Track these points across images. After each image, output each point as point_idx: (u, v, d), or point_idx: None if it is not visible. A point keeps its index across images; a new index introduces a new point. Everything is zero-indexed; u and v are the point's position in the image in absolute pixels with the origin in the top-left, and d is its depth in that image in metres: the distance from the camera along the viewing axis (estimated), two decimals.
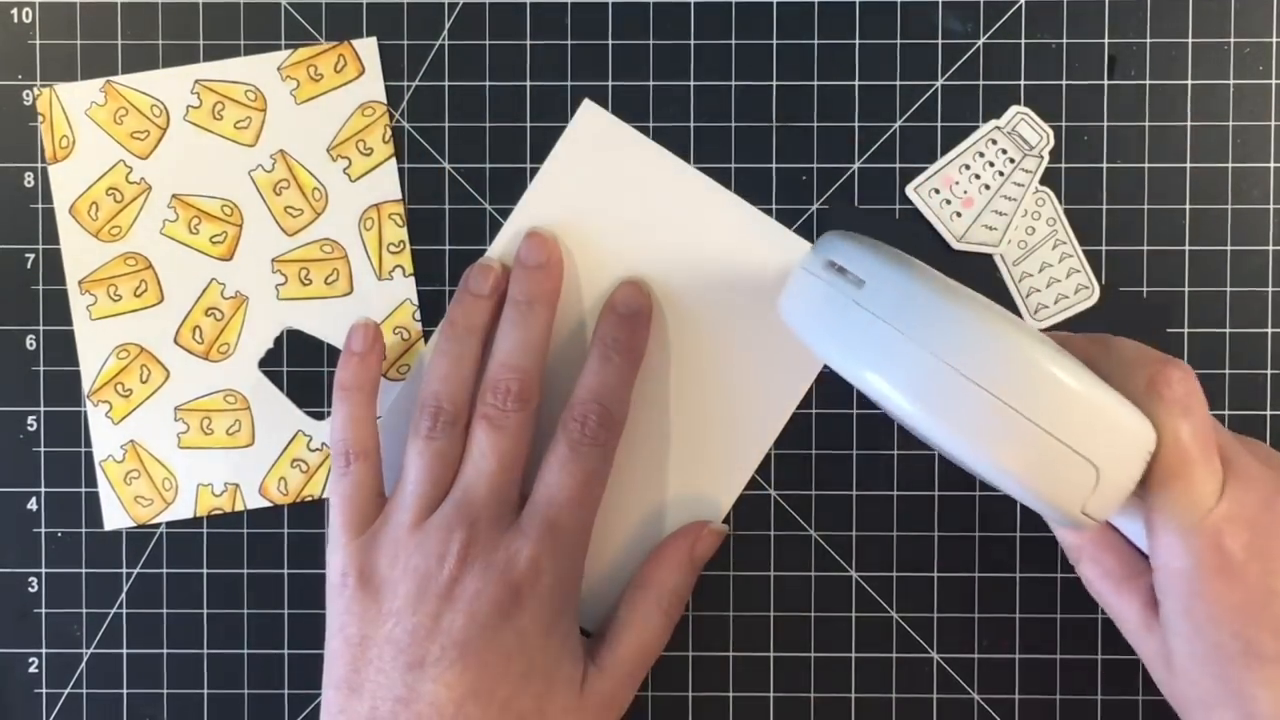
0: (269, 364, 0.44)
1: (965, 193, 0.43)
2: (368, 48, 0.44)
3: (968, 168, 0.43)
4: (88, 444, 0.44)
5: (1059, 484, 0.30)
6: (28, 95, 0.44)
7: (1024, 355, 0.30)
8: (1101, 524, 0.33)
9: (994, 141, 0.43)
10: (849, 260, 0.34)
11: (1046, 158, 0.43)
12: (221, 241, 0.44)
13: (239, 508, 0.44)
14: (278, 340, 0.44)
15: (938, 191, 0.43)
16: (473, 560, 0.38)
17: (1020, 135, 0.43)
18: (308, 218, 0.44)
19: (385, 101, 0.44)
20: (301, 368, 0.44)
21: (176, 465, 0.44)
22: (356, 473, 0.41)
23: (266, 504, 0.44)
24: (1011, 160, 0.43)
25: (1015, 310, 0.43)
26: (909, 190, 0.43)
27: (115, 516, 0.44)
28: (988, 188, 0.43)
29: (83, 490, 0.44)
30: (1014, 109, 0.43)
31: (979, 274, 0.43)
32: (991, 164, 0.43)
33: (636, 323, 0.42)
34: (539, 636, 0.38)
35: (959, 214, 0.43)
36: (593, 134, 0.43)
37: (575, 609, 0.40)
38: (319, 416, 0.44)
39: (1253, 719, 0.32)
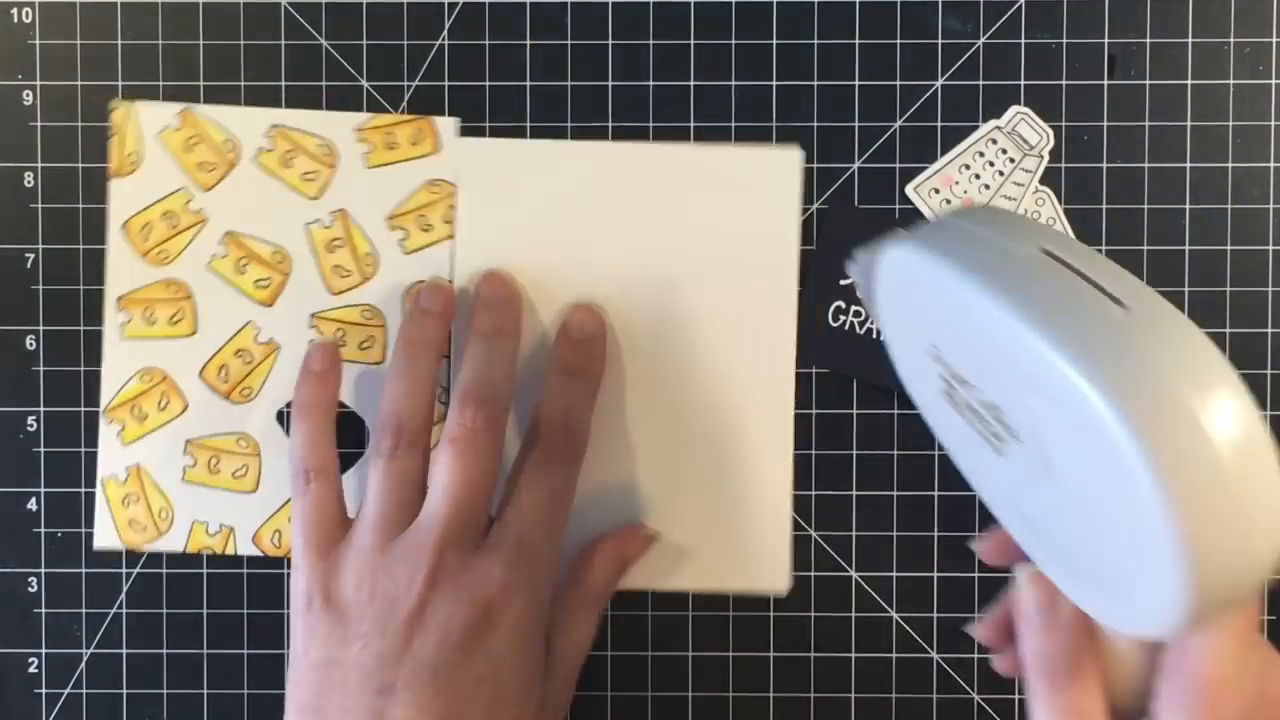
0: (288, 421, 0.44)
1: (965, 192, 0.43)
2: (448, 127, 0.44)
3: (968, 167, 0.43)
4: (88, 445, 0.44)
5: (1218, 564, 0.27)
6: (28, 95, 0.44)
7: (1249, 417, 0.27)
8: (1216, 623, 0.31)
9: (994, 141, 0.43)
10: (1086, 264, 0.28)
11: (1046, 158, 0.43)
12: (266, 286, 0.44)
13: (230, 551, 0.44)
14: None
15: (938, 191, 0.43)
16: (442, 584, 0.37)
17: (1020, 135, 0.43)
18: (355, 280, 0.44)
19: (454, 182, 0.44)
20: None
21: (177, 497, 0.44)
22: (315, 492, 0.40)
23: (258, 553, 0.44)
24: (1011, 160, 0.43)
25: None
26: (909, 190, 0.43)
27: (106, 536, 0.44)
28: (988, 188, 0.43)
29: (82, 490, 0.44)
30: (1014, 109, 0.43)
31: None
32: (991, 164, 0.43)
33: (591, 347, 0.42)
34: (510, 659, 0.38)
35: None
36: (478, 165, 0.43)
37: (543, 629, 0.40)
38: None
39: None
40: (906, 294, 0.33)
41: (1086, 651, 0.34)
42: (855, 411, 0.44)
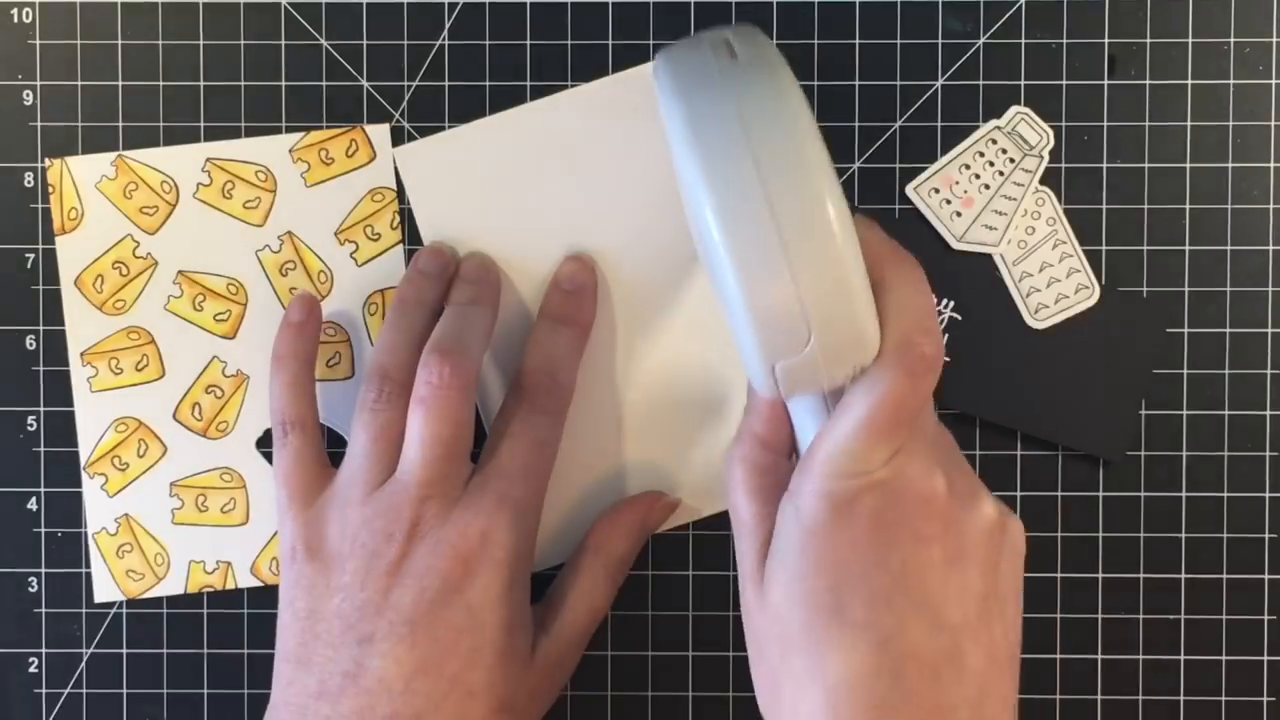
0: (267, 444, 0.44)
1: (965, 192, 0.43)
2: (380, 134, 0.44)
3: (968, 167, 0.43)
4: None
5: (772, 331, 0.30)
6: (28, 95, 0.44)
7: (825, 205, 0.30)
8: (775, 399, 0.33)
9: (994, 141, 0.43)
10: (743, 44, 0.32)
11: (1046, 158, 0.43)
12: (225, 319, 0.44)
13: (230, 586, 0.44)
14: None
15: (937, 191, 0.43)
16: (421, 535, 0.38)
17: (1020, 135, 0.43)
18: None
19: (395, 188, 0.44)
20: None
21: (169, 541, 0.44)
22: (294, 443, 0.40)
23: (258, 584, 0.44)
24: (1011, 160, 0.43)
25: (1015, 309, 0.43)
26: (909, 190, 0.43)
27: (106, 589, 0.44)
28: (988, 187, 0.43)
29: (82, 491, 0.44)
30: (1014, 109, 0.43)
31: (979, 274, 0.43)
32: (992, 164, 0.43)
33: (581, 297, 0.42)
34: (490, 610, 0.38)
35: (959, 214, 0.43)
36: (425, 169, 0.43)
37: (527, 580, 0.40)
38: None
39: (821, 675, 0.32)
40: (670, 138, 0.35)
41: (761, 437, 0.36)
42: None
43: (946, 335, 0.43)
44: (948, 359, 0.42)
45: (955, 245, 0.43)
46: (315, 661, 0.38)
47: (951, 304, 0.43)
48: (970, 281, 0.43)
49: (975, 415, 0.43)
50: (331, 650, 0.37)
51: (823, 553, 0.32)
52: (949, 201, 0.43)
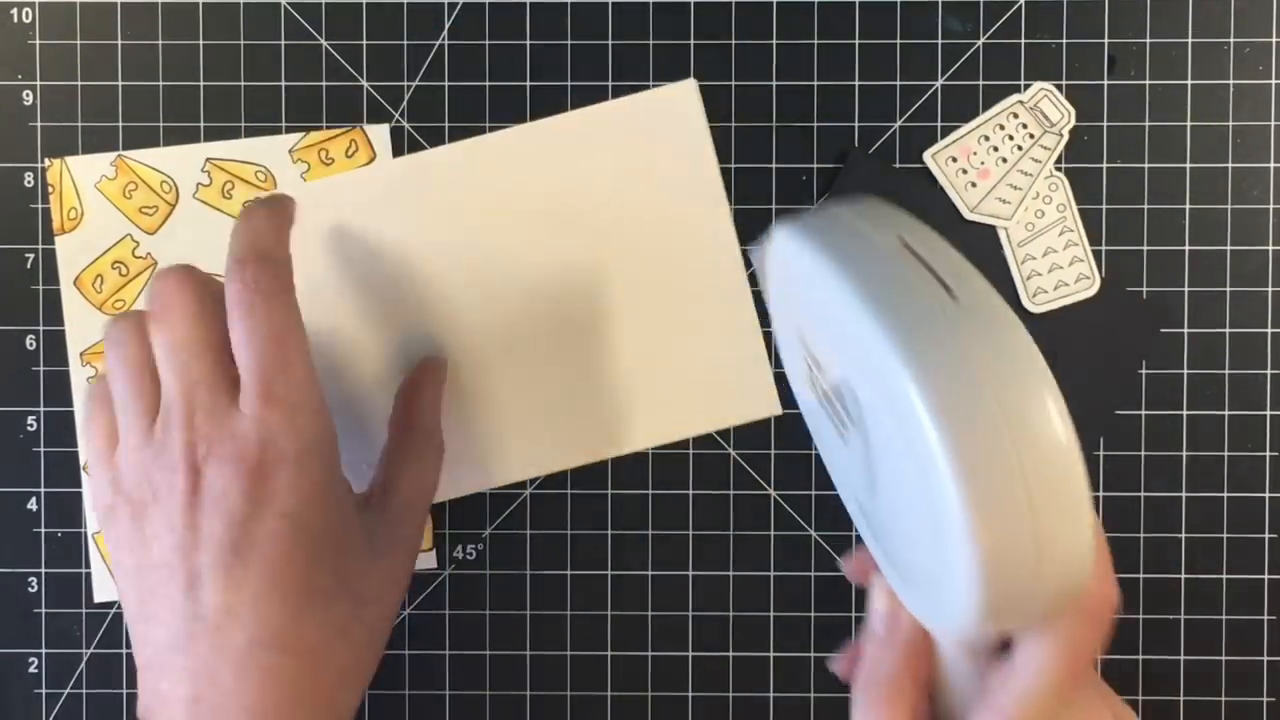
0: None
1: (982, 164, 0.43)
2: (379, 134, 0.44)
3: (986, 139, 0.43)
4: None
5: (1005, 579, 0.27)
6: (28, 95, 0.44)
7: (1058, 425, 0.26)
8: (975, 639, 0.32)
9: (1015, 115, 0.43)
10: (934, 256, 0.29)
11: (1067, 136, 0.43)
12: None
13: None
14: None
15: (954, 160, 0.43)
16: (204, 458, 0.35)
17: (1042, 111, 0.43)
18: None
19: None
20: None
21: None
22: (93, 390, 0.39)
23: None
24: (1031, 136, 0.43)
25: (1014, 290, 0.43)
26: (926, 156, 0.43)
27: (106, 589, 0.44)
28: (1005, 161, 0.43)
29: (82, 490, 0.44)
30: (1038, 84, 0.43)
31: (984, 248, 0.43)
32: (1011, 137, 0.43)
33: (272, 201, 0.39)
34: (308, 511, 0.35)
35: (974, 184, 0.43)
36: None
37: (335, 465, 0.37)
38: None
39: None
40: (782, 278, 0.34)
41: (911, 673, 0.34)
42: None
43: None
44: None
45: (968, 216, 0.43)
46: (160, 615, 0.35)
47: None
48: (975, 255, 0.43)
49: None
50: (168, 600, 0.35)
51: None
52: (965, 171, 0.43)
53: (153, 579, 0.36)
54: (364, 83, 0.44)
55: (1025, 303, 0.43)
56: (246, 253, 0.36)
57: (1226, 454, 0.44)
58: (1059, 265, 0.43)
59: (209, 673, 0.35)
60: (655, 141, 0.43)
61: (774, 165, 0.44)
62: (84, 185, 0.44)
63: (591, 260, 0.44)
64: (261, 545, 0.35)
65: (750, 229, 0.43)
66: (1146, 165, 0.43)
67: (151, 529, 0.36)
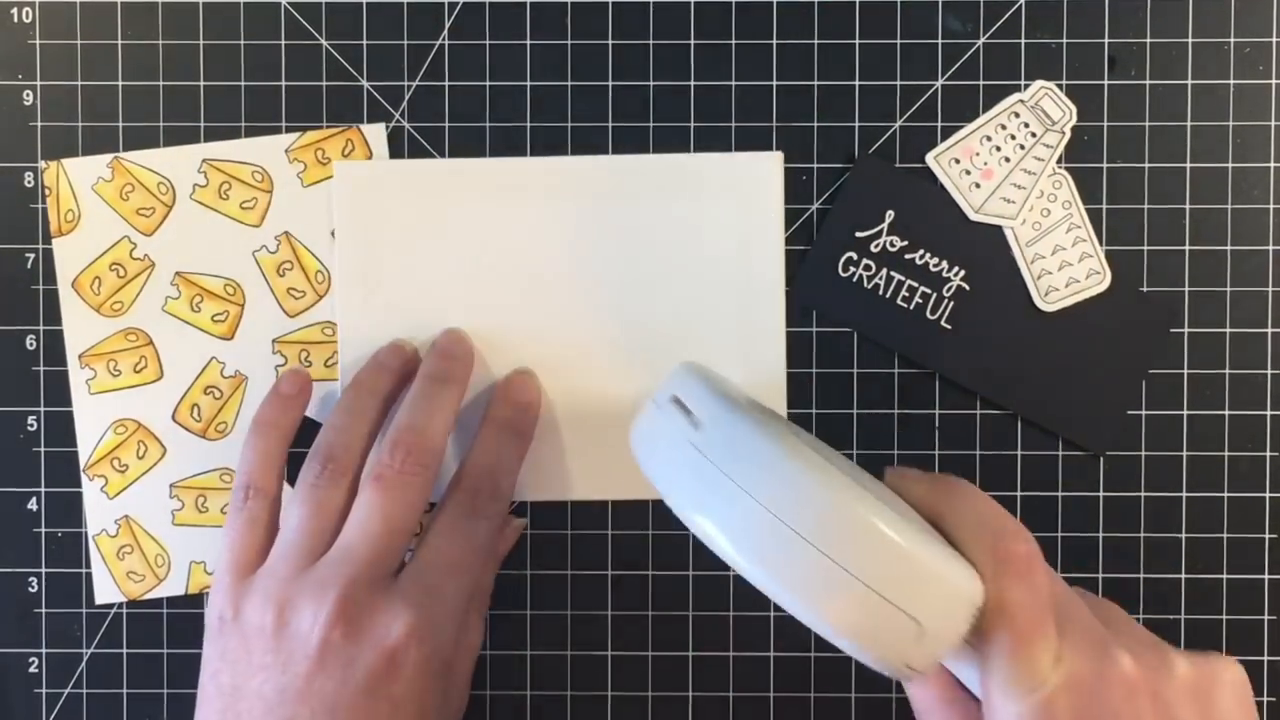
0: None
1: (985, 164, 0.43)
2: (376, 133, 0.44)
3: (989, 139, 0.43)
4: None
5: (881, 638, 0.30)
6: (28, 95, 0.44)
7: (848, 509, 0.30)
8: (926, 674, 0.33)
9: (1016, 114, 0.43)
10: (692, 399, 0.34)
11: (1068, 134, 0.43)
12: (223, 320, 0.44)
13: None
14: None
15: (958, 161, 0.43)
16: (347, 622, 0.37)
17: (1043, 109, 0.43)
18: (310, 299, 0.44)
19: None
20: (298, 449, 0.43)
21: (170, 542, 0.44)
22: (251, 509, 0.40)
23: None
24: (1033, 134, 0.43)
25: (1024, 289, 0.43)
26: (929, 158, 0.43)
27: (107, 591, 0.44)
28: (1008, 160, 0.43)
29: (82, 490, 0.44)
30: (1039, 83, 0.43)
31: (992, 248, 0.43)
32: (1013, 137, 0.43)
33: (528, 412, 0.43)
34: (412, 702, 0.37)
35: (978, 185, 0.43)
36: (360, 189, 0.44)
37: (447, 670, 0.39)
38: None
39: None
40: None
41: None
42: (855, 412, 0.44)
43: (952, 304, 0.43)
44: (949, 326, 0.43)
45: (972, 216, 0.43)
46: None
47: (962, 273, 0.43)
48: (983, 255, 0.43)
49: (971, 390, 0.43)
50: None
51: None
52: (968, 172, 0.43)
53: (244, 705, 0.37)
54: (364, 82, 0.44)
55: (1038, 302, 0.43)
56: (486, 475, 0.41)
57: (1226, 454, 0.44)
58: (1069, 262, 0.43)
59: None
60: (730, 203, 0.43)
61: None
62: (81, 187, 0.44)
63: (637, 302, 0.43)
64: (359, 716, 0.36)
65: None
66: (1147, 165, 0.43)
67: (264, 659, 0.37)
